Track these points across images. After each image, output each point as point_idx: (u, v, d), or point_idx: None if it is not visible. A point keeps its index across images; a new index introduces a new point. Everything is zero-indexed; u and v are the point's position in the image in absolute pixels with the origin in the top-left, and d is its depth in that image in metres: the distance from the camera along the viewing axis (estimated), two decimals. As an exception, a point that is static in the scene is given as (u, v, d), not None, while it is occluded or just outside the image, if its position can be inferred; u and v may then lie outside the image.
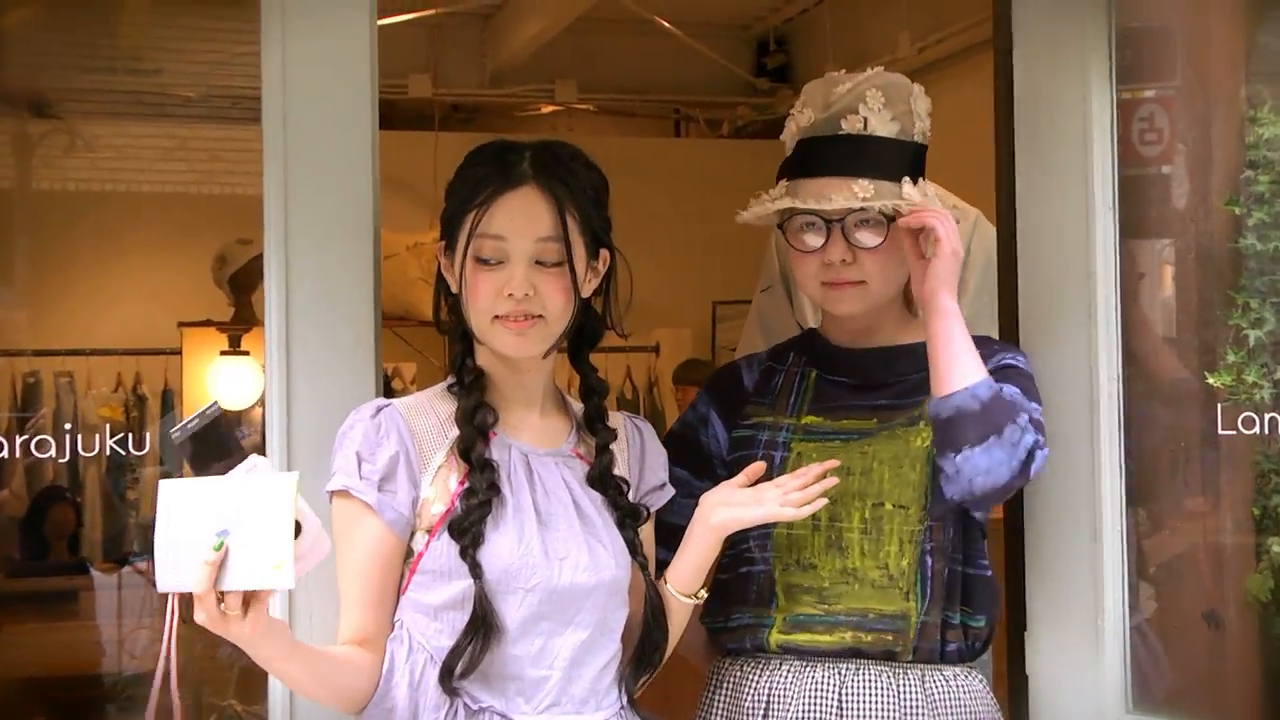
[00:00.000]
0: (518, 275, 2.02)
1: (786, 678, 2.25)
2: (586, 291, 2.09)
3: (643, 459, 2.21)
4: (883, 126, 2.25)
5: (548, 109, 7.80)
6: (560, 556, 2.03)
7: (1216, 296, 2.52)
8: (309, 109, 2.41)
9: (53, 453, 3.38)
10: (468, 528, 1.99)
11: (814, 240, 2.25)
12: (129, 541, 4.05)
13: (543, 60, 7.26)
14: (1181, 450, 2.57)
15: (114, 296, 4.27)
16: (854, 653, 2.22)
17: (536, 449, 2.10)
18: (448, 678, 1.98)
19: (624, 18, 6.87)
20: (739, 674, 2.30)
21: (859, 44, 6.76)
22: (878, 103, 2.25)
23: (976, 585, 2.29)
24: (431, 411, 2.08)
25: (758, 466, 2.19)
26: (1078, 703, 2.48)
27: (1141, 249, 2.57)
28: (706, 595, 2.19)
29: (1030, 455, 2.11)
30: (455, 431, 2.05)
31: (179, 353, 4.49)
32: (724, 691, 2.31)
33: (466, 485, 2.01)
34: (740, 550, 2.29)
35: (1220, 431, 2.45)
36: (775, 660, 2.26)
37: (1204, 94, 2.67)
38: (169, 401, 4.42)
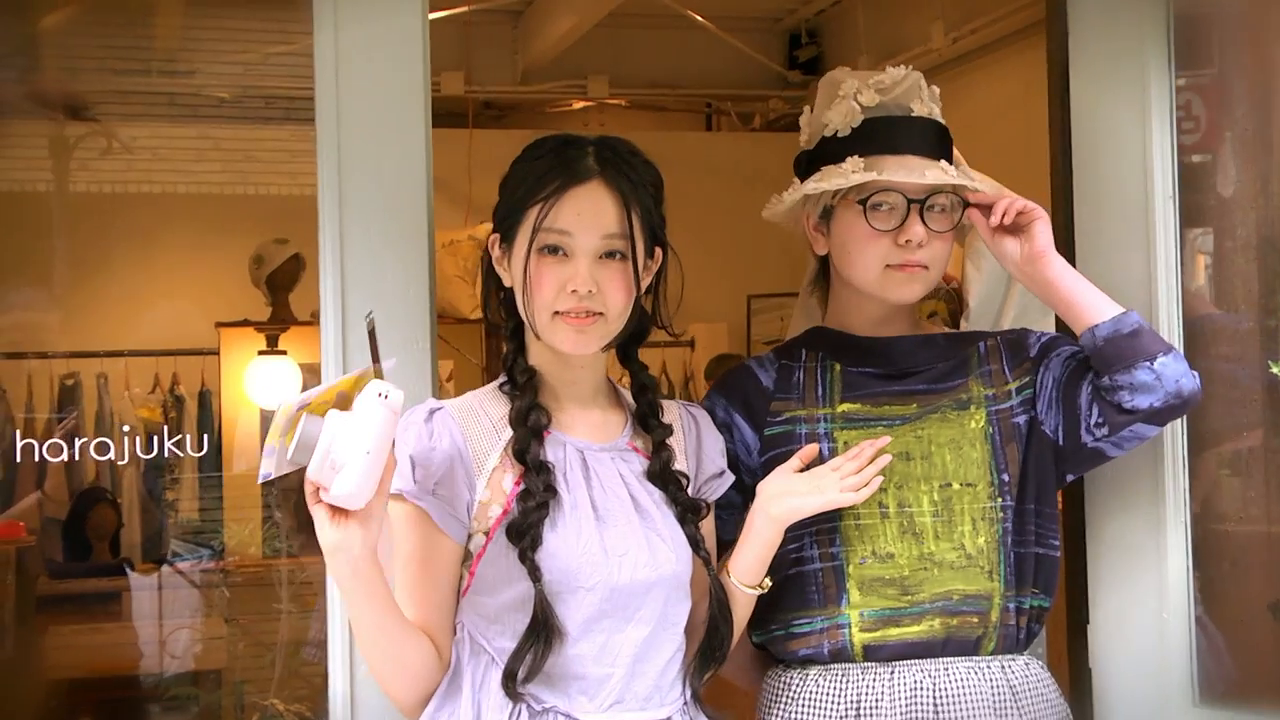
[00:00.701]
0: (582, 271, 1.99)
1: (875, 686, 2.18)
2: (641, 288, 2.07)
3: (700, 448, 2.17)
4: (939, 115, 2.28)
5: (579, 105, 7.78)
6: (620, 553, 2.00)
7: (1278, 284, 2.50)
8: (363, 108, 2.41)
9: (92, 453, 3.42)
10: (525, 530, 1.96)
11: (890, 219, 2.22)
12: (167, 542, 4.07)
13: (574, 56, 7.24)
14: (1245, 439, 2.54)
15: (151, 297, 4.28)
16: (943, 644, 2.19)
17: (592, 444, 2.07)
18: (511, 681, 1.96)
19: (655, 12, 6.85)
20: (816, 685, 2.22)
21: (891, 35, 6.72)
22: (927, 91, 2.27)
23: (1046, 566, 2.26)
24: (483, 413, 2.06)
25: (811, 449, 2.18)
26: (1142, 696, 2.46)
27: (1193, 238, 2.56)
28: (771, 583, 2.15)
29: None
30: (508, 432, 2.03)
31: (216, 353, 4.49)
32: (798, 706, 2.22)
33: (523, 487, 1.99)
34: (788, 551, 2.21)
35: None
36: (856, 669, 2.20)
37: (1259, 80, 2.63)
38: (206, 402, 4.43)
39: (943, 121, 2.28)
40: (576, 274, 1.99)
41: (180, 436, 3.59)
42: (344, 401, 1.85)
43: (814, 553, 2.22)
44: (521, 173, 2.04)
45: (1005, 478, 2.23)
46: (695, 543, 2.08)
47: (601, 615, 1.99)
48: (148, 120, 4.01)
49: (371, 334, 1.89)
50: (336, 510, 1.82)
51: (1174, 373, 2.16)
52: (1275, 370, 2.43)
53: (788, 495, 2.13)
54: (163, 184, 4.14)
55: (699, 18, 7.03)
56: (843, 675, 2.20)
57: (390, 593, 1.94)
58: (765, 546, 2.13)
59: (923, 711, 2.16)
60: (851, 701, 2.18)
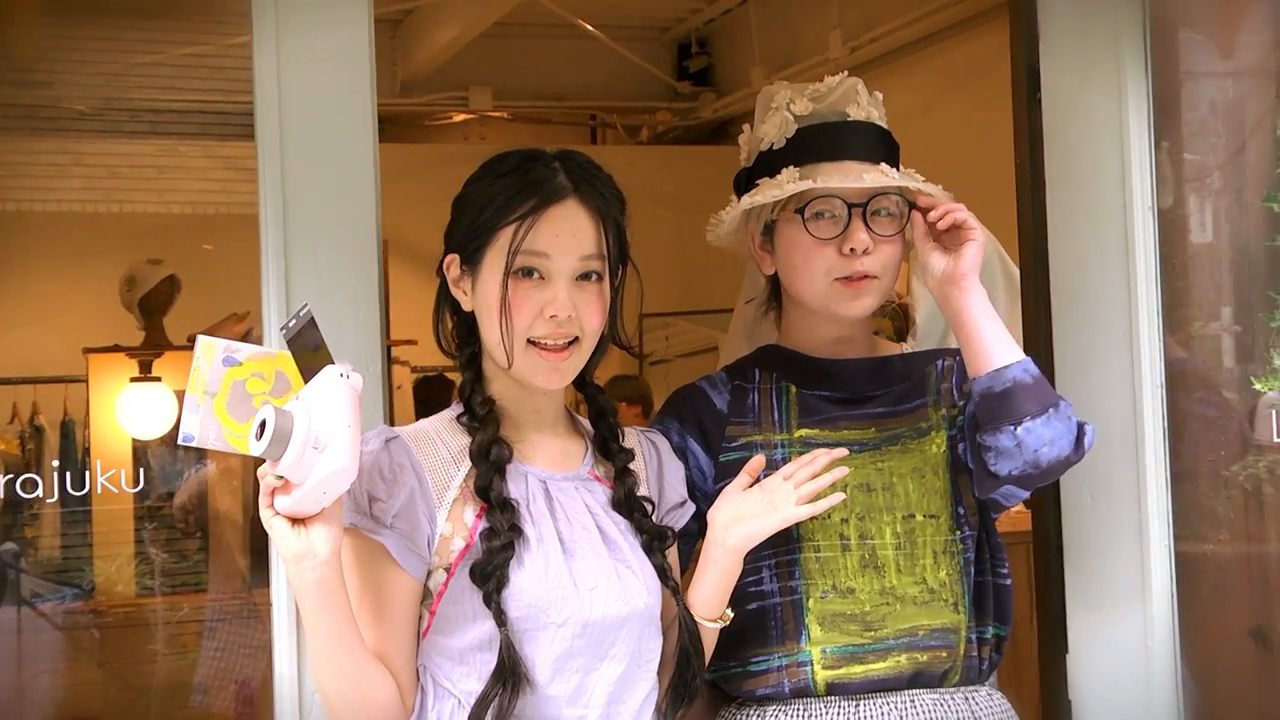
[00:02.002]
0: (561, 295, 1.93)
1: None
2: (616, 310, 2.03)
3: (661, 476, 2.11)
4: (880, 119, 2.22)
5: (460, 117, 7.69)
6: (590, 587, 1.93)
7: (1255, 299, 2.47)
8: (306, 122, 2.36)
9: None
10: (490, 572, 1.88)
11: (833, 228, 2.15)
12: (26, 584, 3.87)
13: (455, 67, 7.15)
14: (1226, 459, 2.51)
15: (10, 322, 4.07)
16: (910, 679, 2.13)
17: (554, 474, 2.01)
18: None
19: (540, 21, 6.76)
20: None
21: (787, 45, 6.70)
22: (865, 96, 2.22)
23: (1003, 595, 2.23)
24: (440, 442, 1.97)
25: (758, 461, 2.09)
26: None
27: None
28: (733, 615, 2.08)
29: (1081, 430, 2.10)
30: (467, 462, 1.95)
31: (85, 380, 4.29)
32: None
33: (488, 526, 1.91)
34: (746, 584, 2.13)
35: (1275, 439, 2.40)
36: (819, 703, 2.14)
37: (1233, 88, 2.62)
38: (70, 432, 4.23)
39: (884, 125, 2.22)
40: (556, 298, 1.93)
41: (40, 469, 3.43)
42: (285, 388, 1.81)
43: (774, 586, 2.16)
44: (487, 191, 1.97)
45: (961, 509, 2.19)
46: (663, 572, 2.02)
47: (574, 653, 1.92)
48: (4, 134, 3.82)
49: (312, 322, 1.78)
50: (295, 520, 1.75)
51: (1036, 440, 2.04)
52: (1258, 387, 2.38)
53: (741, 521, 2.04)
54: (18, 201, 3.96)
55: (587, 26, 6.95)
56: (804, 711, 2.14)
57: (351, 609, 1.84)
58: (724, 576, 2.05)
59: None
60: None
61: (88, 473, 3.96)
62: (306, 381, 1.78)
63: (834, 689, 2.13)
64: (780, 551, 2.14)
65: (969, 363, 2.12)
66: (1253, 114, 2.57)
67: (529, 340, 1.94)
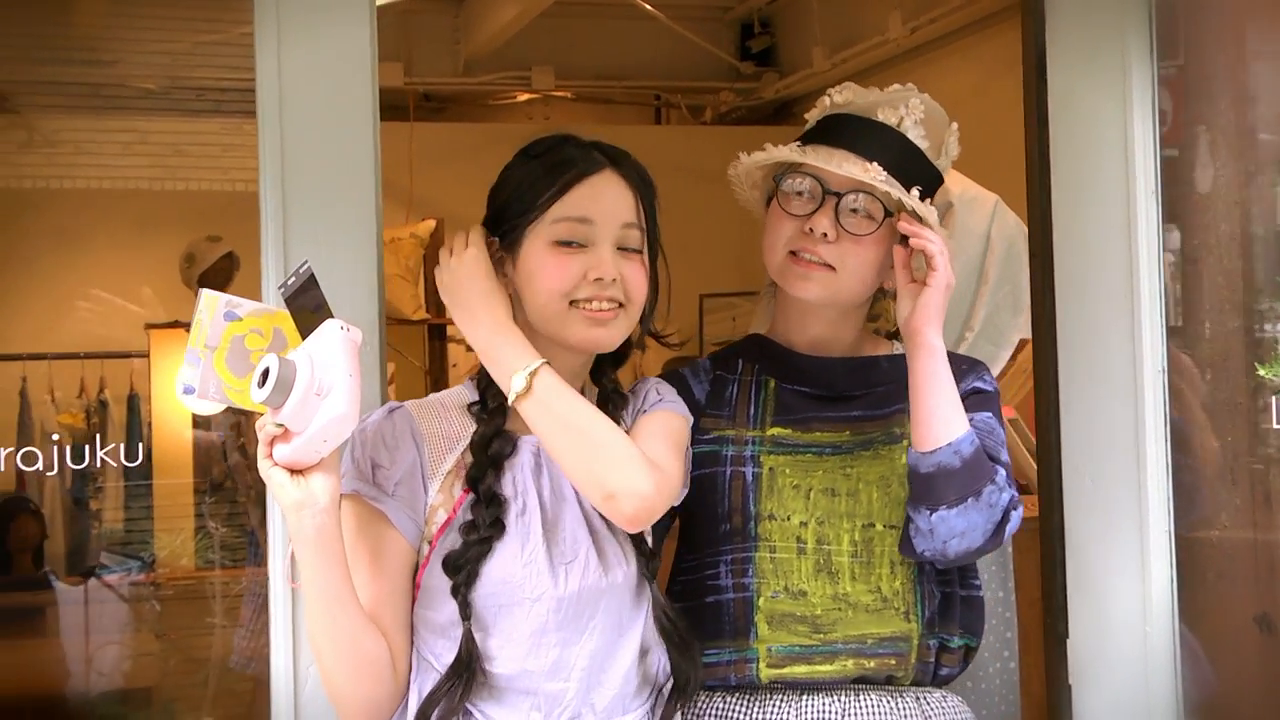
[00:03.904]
0: (606, 258, 1.93)
1: (782, 707, 2.13)
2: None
3: (635, 408, 2.07)
4: (913, 133, 2.17)
5: (524, 97, 7.67)
6: (567, 560, 1.93)
7: (1264, 284, 2.42)
8: (306, 100, 2.35)
9: (19, 463, 3.27)
10: (462, 565, 1.89)
11: (803, 206, 2.14)
12: (94, 554, 3.92)
13: (518, 47, 7.13)
14: (1231, 445, 2.50)
15: (76, 298, 4.12)
16: (854, 680, 2.12)
17: None
18: None
19: (601, 0, 6.73)
20: (722, 703, 2.16)
21: (848, 26, 6.65)
22: (918, 112, 2.18)
23: (971, 606, 2.21)
24: (445, 417, 1.99)
25: None
26: (1125, 712, 2.42)
27: (1172, 235, 2.51)
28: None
29: (1006, 516, 2.05)
30: (467, 439, 1.96)
31: (146, 355, 4.34)
32: None
33: (469, 519, 1.92)
34: (702, 576, 2.15)
35: (1275, 425, 2.38)
36: (764, 693, 2.14)
37: (1244, 72, 2.59)
38: (135, 407, 4.28)
39: (918, 142, 2.17)
40: (601, 261, 1.93)
41: (106, 443, 3.47)
42: (282, 346, 1.82)
43: (728, 582, 2.15)
44: (523, 172, 1.99)
45: None
46: (640, 543, 2.01)
47: (551, 627, 1.91)
48: (70, 112, 3.86)
49: (311, 279, 1.79)
50: (294, 470, 1.77)
51: (947, 531, 2.01)
52: (1262, 373, 2.33)
53: None
54: (87, 179, 4.01)
55: (647, 6, 6.92)
56: (750, 698, 2.15)
57: (347, 566, 1.85)
58: None
59: None
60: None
61: (148, 446, 4.04)
62: (304, 340, 1.79)
63: (778, 686, 2.12)
64: (737, 549, 2.13)
65: (911, 426, 2.08)
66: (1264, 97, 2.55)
67: (571, 302, 1.94)
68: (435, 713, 1.87)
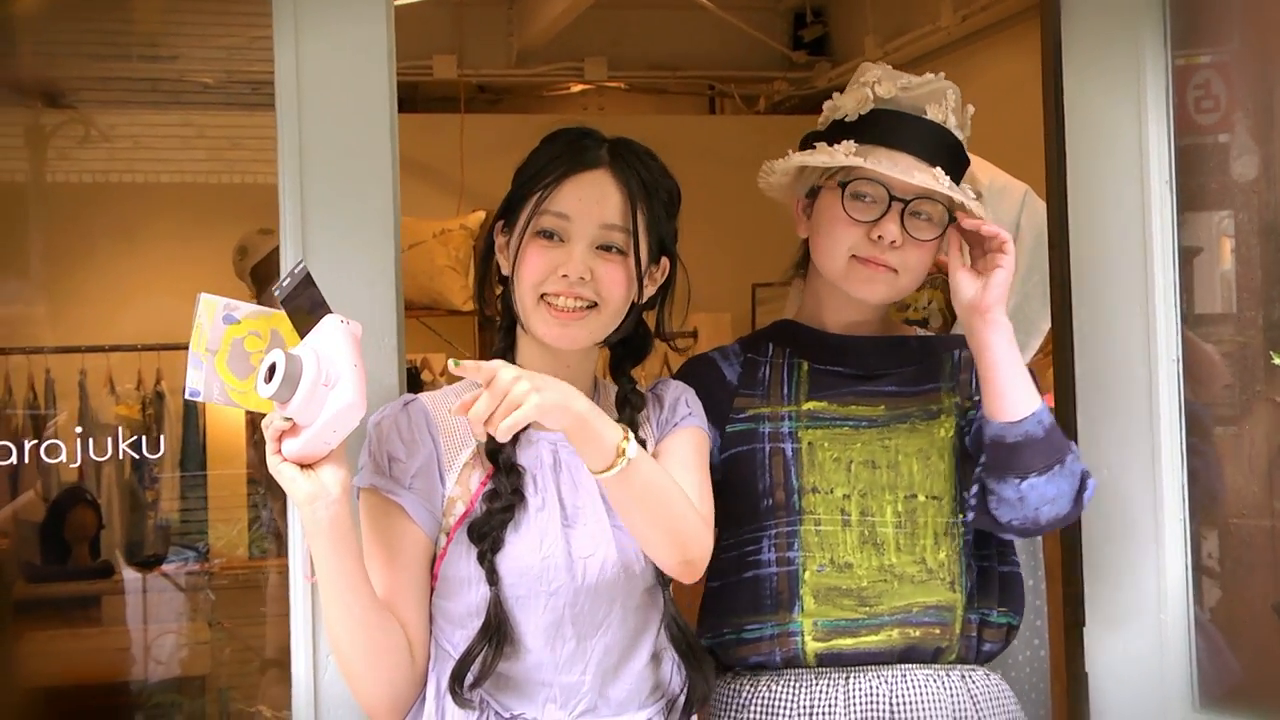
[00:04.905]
0: (575, 256, 1.95)
1: (829, 691, 2.14)
2: (642, 297, 2.04)
3: (662, 412, 2.09)
4: (952, 124, 2.20)
5: (577, 88, 7.67)
6: (585, 555, 1.95)
7: None
8: (324, 93, 2.35)
9: (77, 452, 3.32)
10: (487, 532, 1.93)
11: (868, 211, 2.15)
12: (151, 544, 3.96)
13: (571, 38, 7.13)
14: (1247, 434, 2.49)
15: (132, 291, 4.17)
16: (903, 653, 2.14)
17: (566, 439, 1.97)
18: (457, 685, 1.90)
19: (655, -9, 6.74)
20: (769, 691, 2.17)
21: (899, 14, 6.63)
22: (953, 102, 2.20)
23: (1010, 582, 2.23)
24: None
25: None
26: (1140, 700, 2.41)
27: (1199, 222, 2.48)
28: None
29: (1084, 484, 2.12)
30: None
31: (202, 348, 4.37)
32: (750, 713, 2.18)
33: (491, 488, 1.94)
34: (743, 552, 2.17)
35: None
36: (810, 674, 2.15)
37: (1266, 57, 2.55)
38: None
39: (958, 135, 2.20)
40: (570, 258, 1.95)
41: (162, 434, 3.51)
42: (281, 345, 1.84)
43: (771, 556, 2.17)
44: (532, 159, 2.03)
45: (965, 494, 2.18)
46: None
47: (568, 620, 1.95)
48: (127, 107, 3.91)
49: (308, 278, 1.81)
50: (304, 464, 1.79)
51: (1038, 498, 2.07)
52: (1277, 361, 2.33)
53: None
54: (144, 173, 4.05)
55: (700, -2, 6.90)
56: (795, 680, 2.16)
57: (363, 556, 1.88)
58: None
59: (879, 715, 2.12)
60: (804, 707, 2.14)
61: (203, 437, 4.08)
62: (303, 339, 1.81)
63: (824, 660, 2.14)
64: (781, 523, 2.15)
65: (985, 400, 2.11)
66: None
67: (541, 295, 1.96)
68: (469, 676, 1.89)
